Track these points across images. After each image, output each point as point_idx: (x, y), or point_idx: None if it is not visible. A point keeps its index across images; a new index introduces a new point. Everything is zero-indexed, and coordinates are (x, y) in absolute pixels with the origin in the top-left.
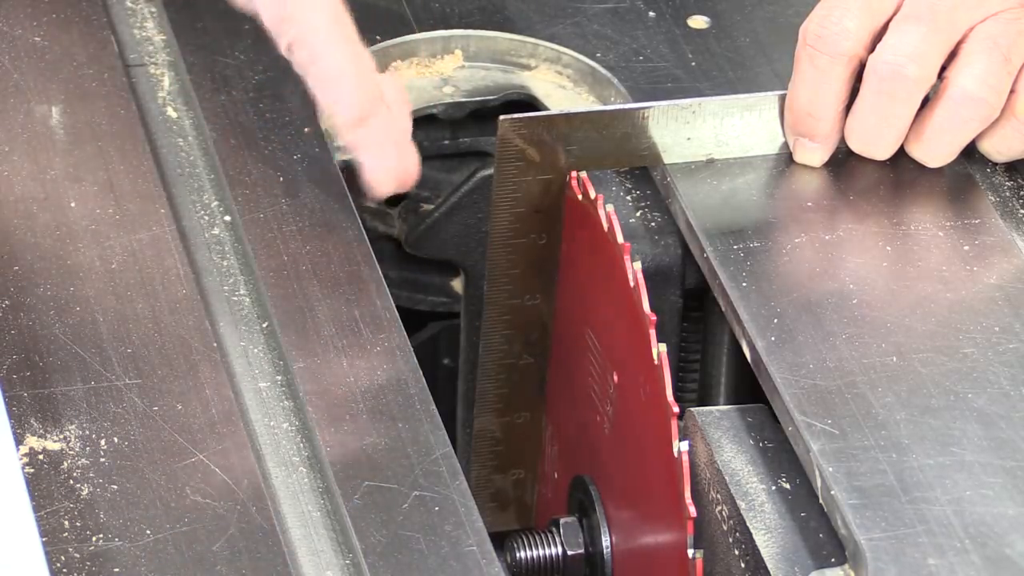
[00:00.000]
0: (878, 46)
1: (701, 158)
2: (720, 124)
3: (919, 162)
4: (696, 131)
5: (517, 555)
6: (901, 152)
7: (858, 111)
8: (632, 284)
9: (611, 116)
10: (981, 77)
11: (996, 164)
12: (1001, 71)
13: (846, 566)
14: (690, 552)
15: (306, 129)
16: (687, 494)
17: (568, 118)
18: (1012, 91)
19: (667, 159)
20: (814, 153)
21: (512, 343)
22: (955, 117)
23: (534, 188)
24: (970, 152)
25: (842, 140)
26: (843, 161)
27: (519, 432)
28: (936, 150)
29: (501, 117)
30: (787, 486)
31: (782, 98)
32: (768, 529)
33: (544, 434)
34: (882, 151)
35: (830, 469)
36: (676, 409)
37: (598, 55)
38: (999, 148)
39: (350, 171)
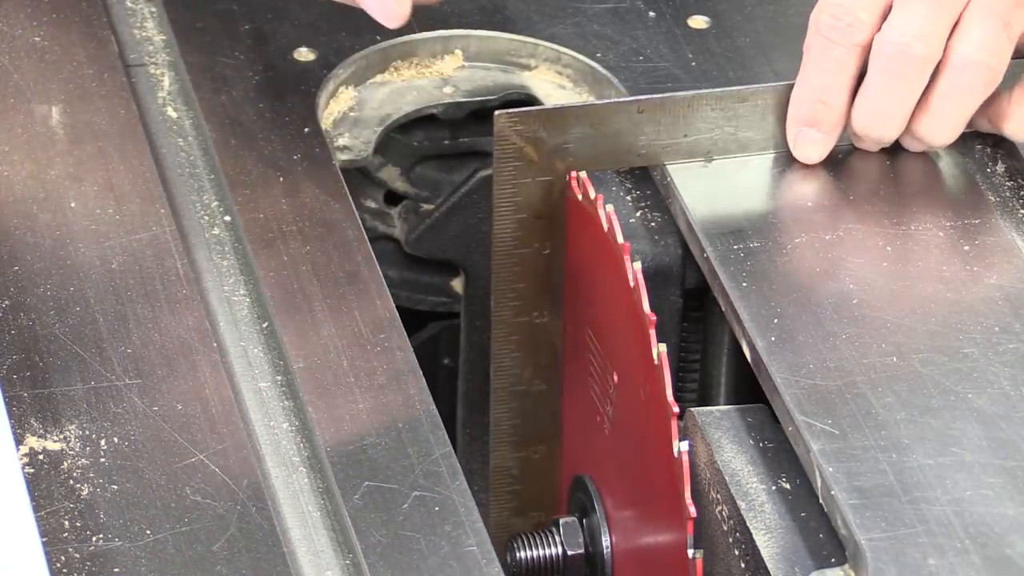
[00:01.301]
0: (884, 26)
1: (699, 156)
2: (717, 119)
3: (925, 139)
4: (692, 127)
5: (517, 555)
6: (902, 150)
7: (866, 93)
8: (632, 284)
9: (606, 110)
10: (980, 42)
11: (996, 164)
12: (1000, 35)
13: (846, 566)
14: (690, 552)
15: (306, 129)
16: (687, 494)
17: (563, 112)
18: None
19: (665, 158)
20: (817, 146)
21: (523, 367)
22: (958, 84)
23: (534, 191)
24: (970, 152)
25: (841, 139)
26: (843, 161)
27: (537, 469)
28: (942, 121)
29: (496, 112)
30: (787, 486)
31: (777, 90)
32: (768, 529)
33: (560, 472)
34: (889, 131)
35: (830, 469)
36: (676, 409)
37: (598, 55)
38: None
39: (350, 171)
